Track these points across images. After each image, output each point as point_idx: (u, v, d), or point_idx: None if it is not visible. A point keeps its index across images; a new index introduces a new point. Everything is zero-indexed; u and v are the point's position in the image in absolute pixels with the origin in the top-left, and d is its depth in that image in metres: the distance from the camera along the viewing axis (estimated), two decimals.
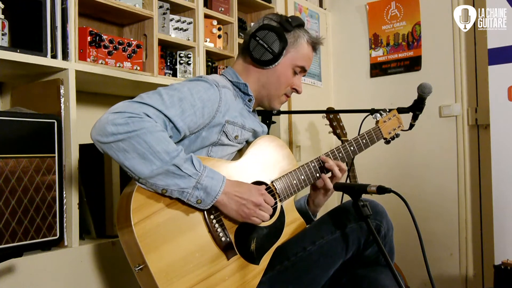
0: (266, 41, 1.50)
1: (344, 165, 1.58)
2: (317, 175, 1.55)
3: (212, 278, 1.28)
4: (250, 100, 1.54)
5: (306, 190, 1.62)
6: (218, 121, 1.38)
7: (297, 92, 1.61)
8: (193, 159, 1.24)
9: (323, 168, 1.56)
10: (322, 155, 1.57)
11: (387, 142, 1.77)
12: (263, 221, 1.36)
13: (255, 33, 1.51)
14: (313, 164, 1.54)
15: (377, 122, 1.74)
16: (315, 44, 1.59)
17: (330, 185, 1.55)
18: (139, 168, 1.18)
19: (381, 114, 1.75)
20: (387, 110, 1.79)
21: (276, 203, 1.45)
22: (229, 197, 1.29)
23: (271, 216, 1.41)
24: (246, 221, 1.33)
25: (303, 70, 1.59)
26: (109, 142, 1.17)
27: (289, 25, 1.52)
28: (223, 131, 1.40)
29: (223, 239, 1.32)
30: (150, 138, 1.17)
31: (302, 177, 1.51)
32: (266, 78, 1.54)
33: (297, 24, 1.54)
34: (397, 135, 1.79)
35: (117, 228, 1.28)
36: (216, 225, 1.31)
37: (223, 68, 2.30)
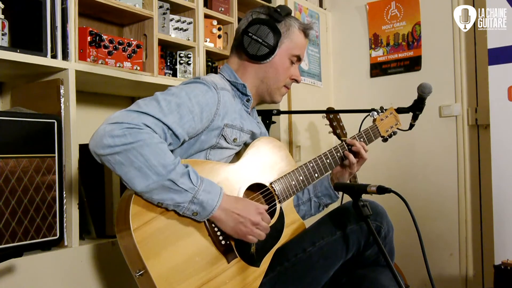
0: (260, 36, 1.48)
1: (367, 147, 1.64)
2: (316, 175, 1.55)
3: (213, 282, 1.28)
4: (248, 100, 1.53)
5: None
6: (217, 124, 1.37)
7: (297, 81, 1.59)
8: (190, 172, 1.22)
9: (349, 150, 1.61)
10: (349, 139, 1.63)
11: (385, 140, 1.77)
12: (258, 240, 1.34)
13: (246, 29, 1.49)
14: (311, 165, 1.54)
15: (374, 120, 1.74)
16: (306, 30, 1.57)
17: (353, 159, 1.61)
18: (135, 181, 1.16)
19: (378, 112, 1.76)
20: (384, 108, 1.79)
21: (275, 205, 1.45)
22: (227, 214, 1.27)
23: (271, 217, 1.41)
24: (241, 239, 1.31)
25: (299, 59, 1.57)
26: (106, 154, 1.15)
27: (278, 15, 1.50)
28: (222, 135, 1.39)
29: (223, 242, 1.31)
30: (147, 151, 1.16)
31: (301, 178, 1.51)
32: (264, 73, 1.53)
33: (286, 13, 1.52)
34: (395, 133, 1.79)
35: (116, 231, 1.28)
36: (216, 228, 1.31)
37: None
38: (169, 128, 1.24)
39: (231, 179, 1.37)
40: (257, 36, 1.48)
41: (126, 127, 1.15)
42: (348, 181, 1.70)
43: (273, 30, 1.48)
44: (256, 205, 1.34)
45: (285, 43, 1.51)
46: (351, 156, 1.60)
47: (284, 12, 1.51)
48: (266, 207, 1.38)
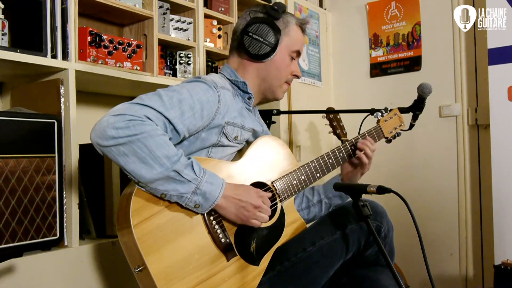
0: (260, 34, 1.49)
1: (374, 146, 1.63)
2: (318, 175, 1.55)
3: (212, 279, 1.28)
4: (249, 98, 1.54)
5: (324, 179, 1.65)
6: (217, 122, 1.38)
7: (298, 77, 1.61)
8: (194, 164, 1.23)
9: (355, 150, 1.61)
10: (360, 142, 1.62)
11: (389, 141, 1.77)
12: (262, 223, 1.36)
13: (246, 29, 1.50)
14: (313, 164, 1.54)
15: (378, 121, 1.74)
16: (303, 25, 1.58)
17: (365, 160, 1.60)
18: (140, 172, 1.17)
19: (382, 113, 1.75)
20: (388, 109, 1.79)
21: (276, 203, 1.45)
22: (228, 200, 1.28)
23: (271, 217, 1.41)
24: (245, 224, 1.33)
25: (298, 54, 1.58)
26: (109, 145, 1.16)
27: (276, 13, 1.52)
28: (223, 132, 1.40)
29: (222, 240, 1.31)
30: (151, 143, 1.17)
31: (303, 177, 1.51)
32: (266, 71, 1.53)
33: (283, 9, 1.54)
34: (399, 134, 1.78)
35: (116, 229, 1.28)
36: (216, 226, 1.31)
37: None
38: (170, 122, 1.25)
39: (233, 177, 1.37)
40: (257, 35, 1.49)
41: (129, 119, 1.16)
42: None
43: (273, 28, 1.49)
44: (256, 189, 1.35)
45: (284, 40, 1.52)
46: (363, 157, 1.60)
47: (281, 9, 1.53)
48: (268, 194, 1.38)
